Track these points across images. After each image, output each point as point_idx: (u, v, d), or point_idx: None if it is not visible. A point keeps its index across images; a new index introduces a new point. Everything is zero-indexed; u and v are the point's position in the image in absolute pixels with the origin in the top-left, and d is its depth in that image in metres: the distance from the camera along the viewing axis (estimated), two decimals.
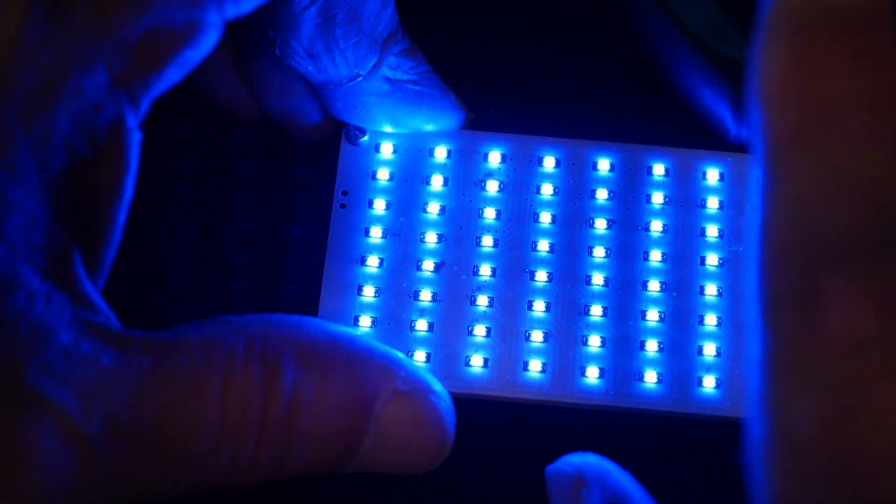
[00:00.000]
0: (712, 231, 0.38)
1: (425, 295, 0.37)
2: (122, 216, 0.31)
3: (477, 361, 0.36)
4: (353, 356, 0.32)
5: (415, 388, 0.32)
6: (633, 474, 0.32)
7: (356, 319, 0.37)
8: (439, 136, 0.39)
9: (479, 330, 0.36)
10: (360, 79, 0.37)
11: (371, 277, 0.37)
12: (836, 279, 0.22)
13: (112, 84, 0.29)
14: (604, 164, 0.39)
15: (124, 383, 0.28)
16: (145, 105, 0.30)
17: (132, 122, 0.30)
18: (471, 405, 0.35)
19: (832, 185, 0.22)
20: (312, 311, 0.37)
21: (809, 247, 0.22)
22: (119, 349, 0.28)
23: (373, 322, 0.37)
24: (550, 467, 0.33)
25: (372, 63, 0.36)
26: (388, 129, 0.39)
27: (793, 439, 0.22)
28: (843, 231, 0.22)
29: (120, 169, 0.30)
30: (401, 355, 0.33)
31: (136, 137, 0.30)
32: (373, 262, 0.37)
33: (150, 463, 0.29)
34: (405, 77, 0.37)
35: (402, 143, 0.39)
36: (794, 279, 0.22)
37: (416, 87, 0.38)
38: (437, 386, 0.33)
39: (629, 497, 0.31)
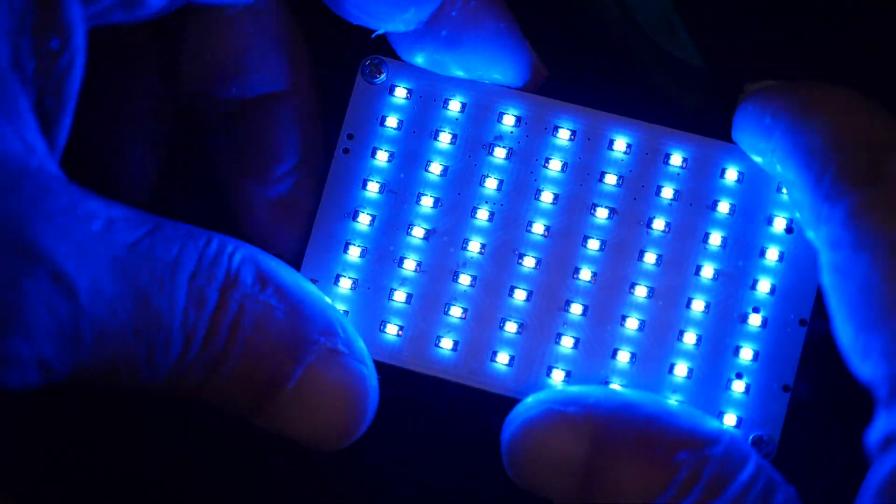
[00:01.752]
0: (715, 239, 0.36)
1: (409, 264, 0.37)
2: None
3: (447, 344, 0.36)
4: (306, 299, 0.33)
5: (352, 353, 0.33)
6: None
7: (337, 279, 0.37)
8: (456, 87, 0.37)
9: (456, 311, 0.36)
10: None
11: (360, 235, 0.37)
12: None
13: None
14: (620, 144, 0.37)
15: (109, 252, 0.30)
16: None
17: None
18: (433, 384, 0.36)
19: None
20: (296, 264, 0.37)
21: None
22: (108, 220, 0.30)
23: (353, 284, 0.37)
24: None
25: None
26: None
27: None
28: None
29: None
30: (346, 321, 0.34)
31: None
32: (364, 219, 0.37)
33: (119, 336, 0.31)
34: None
35: (418, 87, 0.37)
36: None
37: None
38: (370, 361, 0.34)
39: None
